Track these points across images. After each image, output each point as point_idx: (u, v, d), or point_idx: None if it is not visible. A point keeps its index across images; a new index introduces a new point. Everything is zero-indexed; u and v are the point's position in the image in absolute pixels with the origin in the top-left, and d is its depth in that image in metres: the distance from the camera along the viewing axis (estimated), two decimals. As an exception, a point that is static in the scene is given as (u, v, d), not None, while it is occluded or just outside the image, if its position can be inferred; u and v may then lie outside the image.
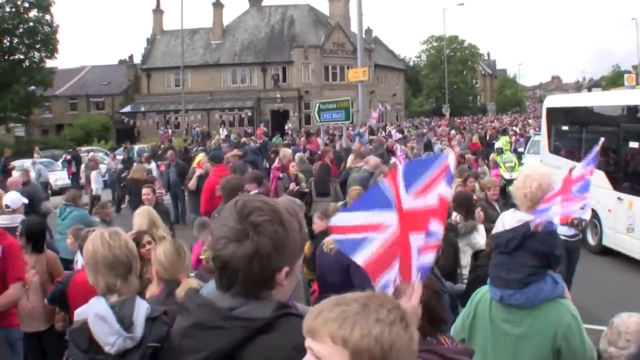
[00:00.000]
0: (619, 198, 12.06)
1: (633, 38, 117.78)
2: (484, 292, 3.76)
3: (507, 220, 3.74)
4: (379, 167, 10.73)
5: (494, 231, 3.88)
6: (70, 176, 25.88)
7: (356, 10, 21.20)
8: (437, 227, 2.08)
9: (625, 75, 20.62)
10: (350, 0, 55.76)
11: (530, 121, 44.18)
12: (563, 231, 8.24)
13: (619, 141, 12.46)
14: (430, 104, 78.70)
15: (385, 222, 2.10)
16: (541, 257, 3.46)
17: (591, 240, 12.94)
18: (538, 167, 4.40)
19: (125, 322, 2.55)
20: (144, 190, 8.91)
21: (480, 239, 6.87)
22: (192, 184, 13.46)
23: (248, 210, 1.87)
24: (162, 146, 24.65)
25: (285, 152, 13.23)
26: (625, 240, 11.85)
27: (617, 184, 12.26)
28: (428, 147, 23.18)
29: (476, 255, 6.08)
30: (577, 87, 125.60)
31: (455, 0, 66.27)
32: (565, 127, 15.38)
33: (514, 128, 35.84)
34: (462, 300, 5.40)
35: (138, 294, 2.80)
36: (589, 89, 35.66)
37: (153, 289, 4.01)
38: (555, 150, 15.38)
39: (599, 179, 11.51)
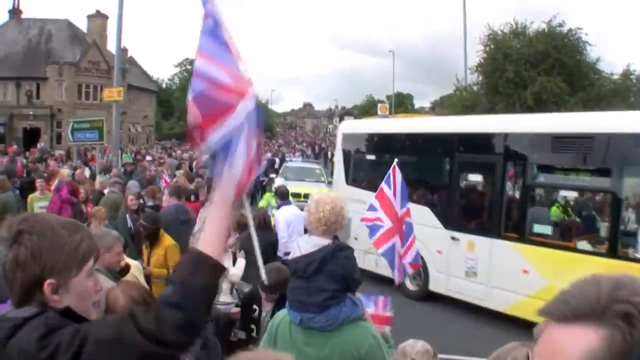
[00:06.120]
0: (453, 238, 10.82)
1: (387, 68, 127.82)
2: (283, 316, 3.73)
3: (303, 245, 3.68)
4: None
5: (290, 256, 3.86)
6: None
7: (115, 29, 20.46)
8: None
9: (379, 105, 22.29)
10: (109, 18, 53.96)
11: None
12: None
13: (452, 175, 11.40)
14: (181, 127, 76.91)
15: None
16: (340, 281, 3.49)
17: (410, 285, 11.65)
18: (328, 192, 4.48)
19: None
20: None
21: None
22: None
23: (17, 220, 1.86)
24: None
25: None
26: (463, 285, 10.62)
27: (449, 222, 11.09)
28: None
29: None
30: (330, 114, 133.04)
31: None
32: (370, 156, 13.69)
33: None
34: None
35: None
36: (342, 117, 37.88)
37: None
38: (353, 181, 13.69)
39: (423, 216, 10.83)
